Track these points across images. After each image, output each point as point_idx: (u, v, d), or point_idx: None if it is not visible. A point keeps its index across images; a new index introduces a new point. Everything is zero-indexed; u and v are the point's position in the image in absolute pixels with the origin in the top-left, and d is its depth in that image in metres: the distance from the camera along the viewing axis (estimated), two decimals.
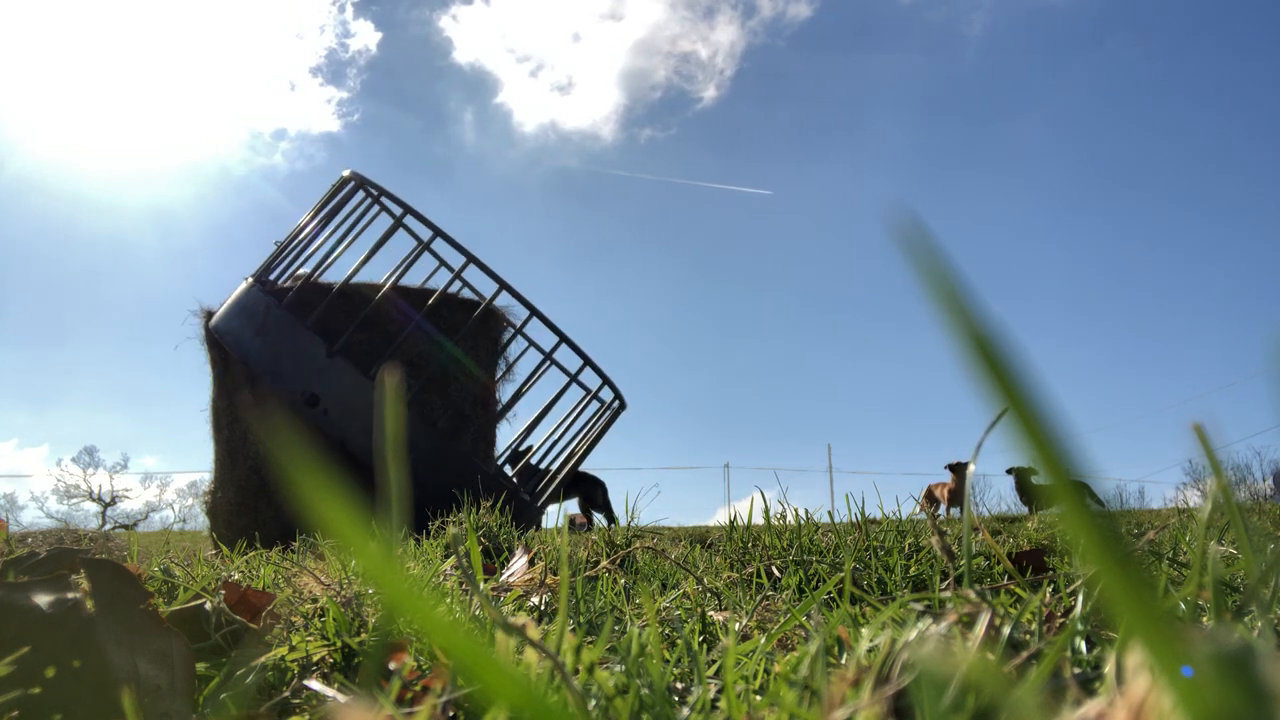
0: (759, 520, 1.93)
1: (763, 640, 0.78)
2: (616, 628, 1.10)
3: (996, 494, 19.77)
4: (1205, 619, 0.66)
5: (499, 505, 2.76)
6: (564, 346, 7.27)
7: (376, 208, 6.77)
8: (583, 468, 9.26)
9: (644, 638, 0.64)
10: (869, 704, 0.51)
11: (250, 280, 7.08)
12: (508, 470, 8.03)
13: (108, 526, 26.80)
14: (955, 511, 11.91)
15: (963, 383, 0.26)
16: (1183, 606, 0.67)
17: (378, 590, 1.06)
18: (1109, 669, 0.50)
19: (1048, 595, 0.88)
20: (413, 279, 7.58)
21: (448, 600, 1.15)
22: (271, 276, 7.15)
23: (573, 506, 11.72)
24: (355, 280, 6.86)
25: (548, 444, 7.83)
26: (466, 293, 7.75)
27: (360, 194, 6.85)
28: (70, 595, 0.73)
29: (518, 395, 7.56)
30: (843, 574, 0.93)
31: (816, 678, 0.57)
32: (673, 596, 1.29)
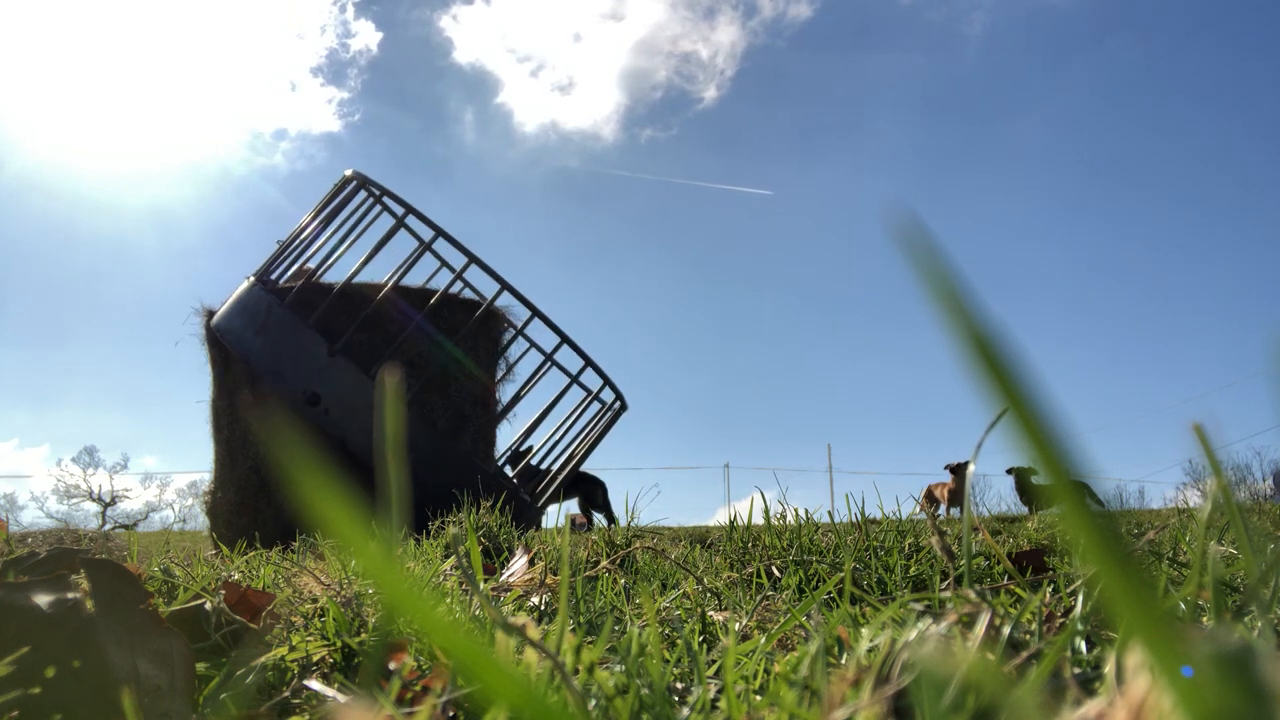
0: (759, 520, 1.93)
1: (763, 640, 0.78)
2: (616, 628, 1.10)
3: (996, 494, 19.78)
4: (1205, 619, 0.66)
5: (499, 505, 2.76)
6: (565, 347, 7.27)
7: (378, 208, 6.78)
8: (583, 468, 9.27)
9: (644, 638, 0.64)
10: (869, 704, 0.51)
11: (252, 279, 7.08)
12: (508, 470, 8.03)
13: (108, 526, 26.81)
14: (955, 511, 11.90)
15: (963, 383, 0.26)
16: (1183, 606, 0.67)
17: (378, 590, 1.06)
18: (1109, 669, 0.50)
19: (1048, 595, 0.88)
20: (414, 279, 7.58)
21: (448, 600, 1.15)
22: (273, 276, 7.15)
23: (573, 506, 11.72)
24: (356, 280, 6.86)
25: (548, 444, 7.83)
26: (467, 293, 7.75)
27: (362, 194, 6.85)
28: (70, 595, 0.73)
29: (518, 396, 7.56)
30: (843, 574, 0.93)
31: (816, 678, 0.57)
32: (673, 596, 1.29)
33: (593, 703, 0.58)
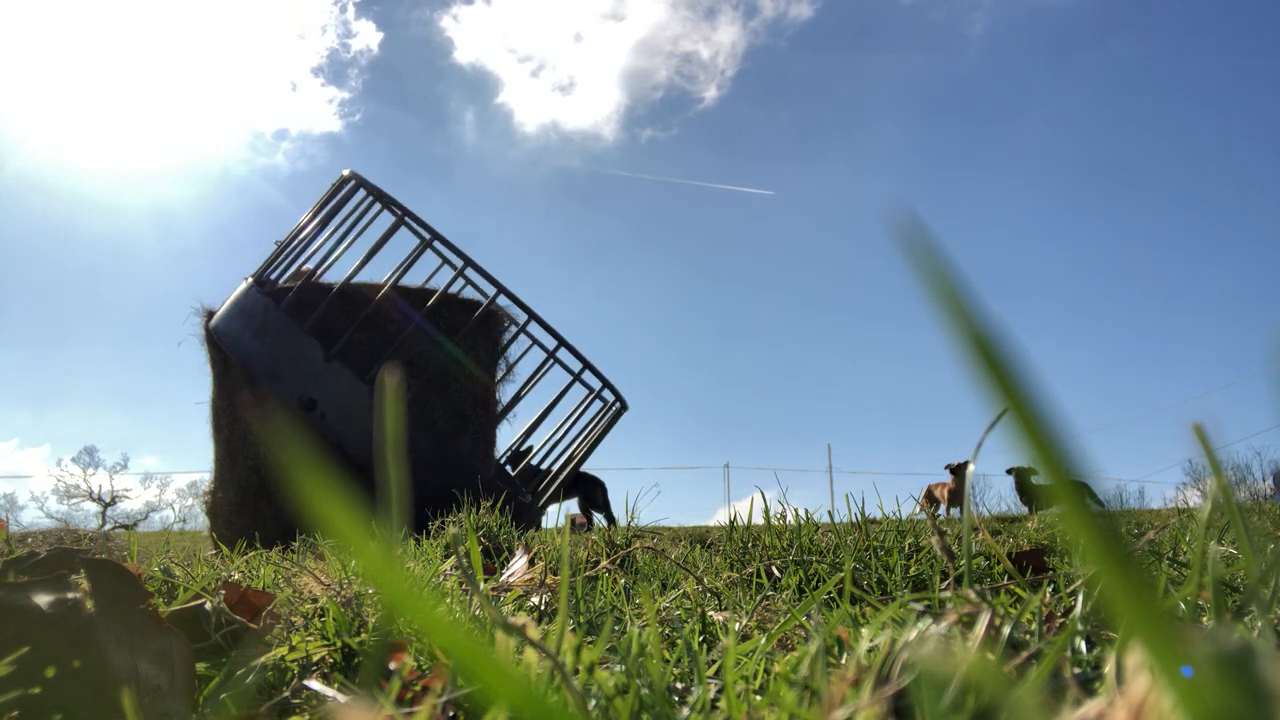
0: (759, 520, 1.93)
1: (763, 640, 0.78)
2: (616, 628, 1.10)
3: (996, 494, 19.77)
4: (1205, 619, 0.66)
5: (499, 505, 2.76)
6: (564, 346, 7.28)
7: (377, 207, 6.78)
8: (583, 468, 9.27)
9: (644, 638, 0.64)
10: (869, 704, 0.51)
11: (250, 280, 7.08)
12: (509, 471, 8.03)
13: (108, 526, 26.81)
14: (955, 511, 11.90)
15: (963, 383, 0.26)
16: (1183, 606, 0.67)
17: (378, 590, 1.06)
18: (1109, 669, 0.50)
19: (1048, 595, 0.88)
20: (413, 279, 7.58)
21: (448, 600, 1.15)
22: (271, 277, 7.15)
23: (573, 506, 11.71)
24: (354, 281, 6.86)
25: (548, 444, 7.83)
26: (467, 291, 7.75)
27: (359, 194, 6.85)
28: (70, 595, 0.73)
29: (518, 396, 7.56)
30: (843, 574, 0.93)
31: (816, 678, 0.57)
32: (673, 596, 1.29)
33: (593, 703, 0.58)
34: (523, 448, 8.14)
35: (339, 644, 0.95)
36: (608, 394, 7.58)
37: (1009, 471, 12.40)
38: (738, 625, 1.03)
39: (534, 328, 7.37)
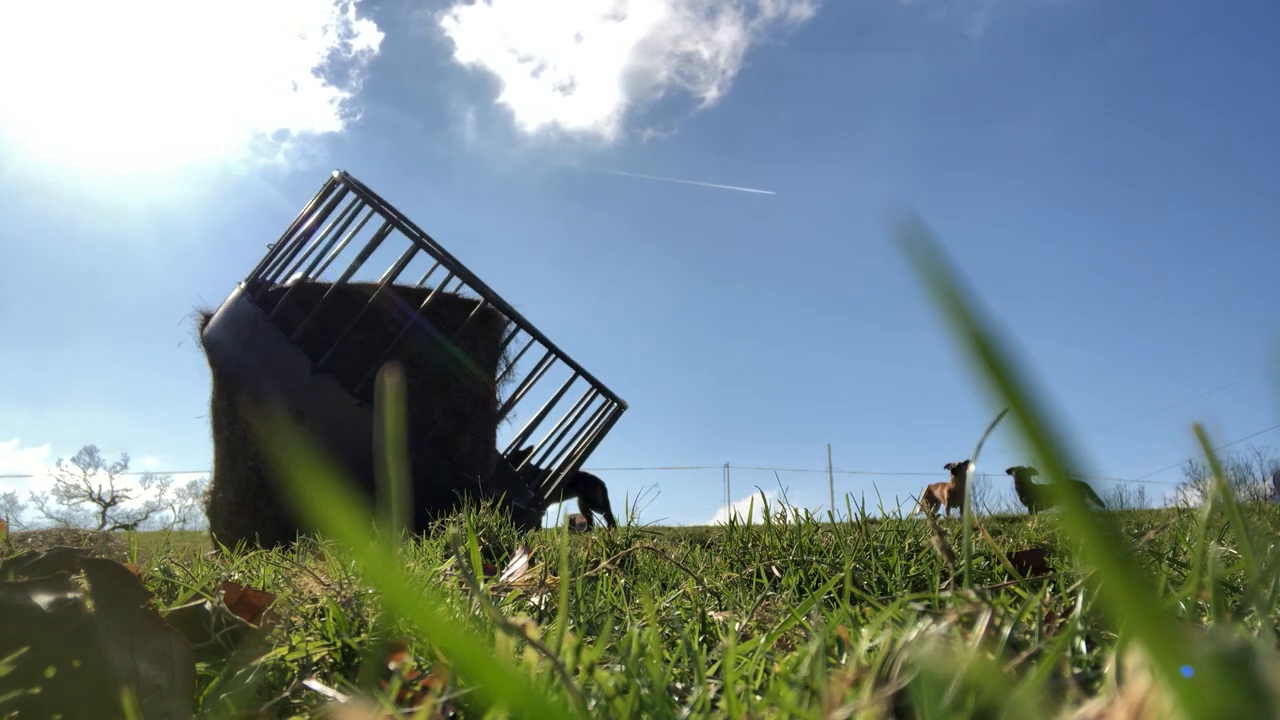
0: (759, 520, 1.93)
1: (763, 640, 0.78)
2: (616, 628, 1.10)
3: (996, 494, 19.77)
4: (1205, 619, 0.66)
5: (499, 505, 2.76)
6: (556, 354, 7.30)
7: (368, 209, 6.78)
8: (583, 468, 9.27)
9: (644, 638, 0.64)
10: (869, 704, 0.51)
11: (242, 286, 7.09)
12: (511, 468, 8.04)
13: (108, 526, 26.81)
14: (955, 511, 11.90)
15: (963, 383, 0.26)
16: (1183, 606, 0.67)
17: (378, 590, 1.06)
18: (1109, 669, 0.50)
19: (1048, 595, 0.88)
20: (409, 278, 7.58)
21: (448, 600, 1.15)
22: (263, 281, 7.16)
23: (573, 506, 11.71)
24: (347, 281, 6.87)
25: (548, 444, 7.83)
26: (465, 290, 7.76)
27: (350, 195, 6.85)
28: (70, 595, 0.73)
29: (513, 399, 7.57)
30: (843, 574, 0.93)
31: (816, 678, 0.57)
32: (673, 596, 1.29)
33: (593, 703, 0.58)
34: (522, 448, 8.15)
35: (339, 644, 0.95)
36: (606, 388, 7.61)
37: (1009, 471, 12.40)
38: (738, 625, 1.03)
39: (529, 342, 7.41)
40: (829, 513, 1.97)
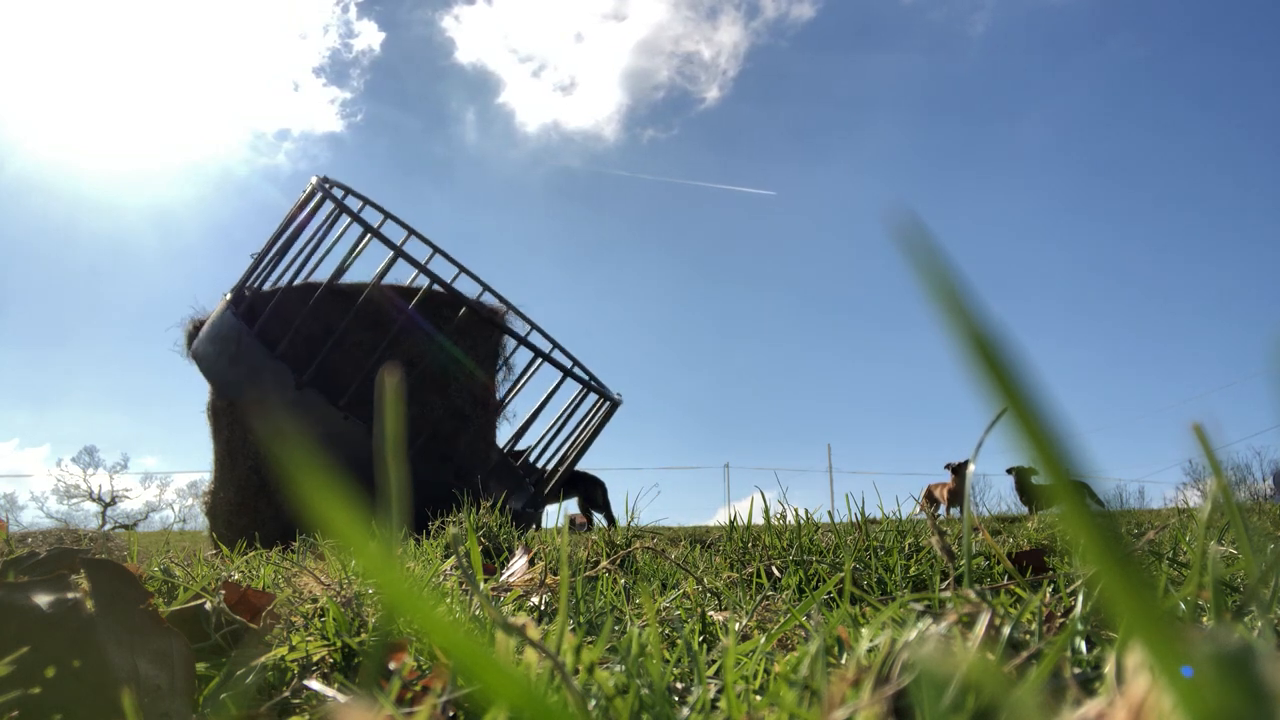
0: (759, 520, 1.93)
1: (763, 640, 0.78)
2: (616, 628, 1.10)
3: (996, 494, 19.77)
4: (1205, 619, 0.66)
5: (499, 505, 2.76)
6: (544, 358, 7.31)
7: (345, 218, 6.80)
8: (583, 468, 9.27)
9: (644, 638, 0.64)
10: (869, 704, 0.51)
11: (227, 298, 7.11)
12: (511, 463, 8.04)
13: (108, 526, 26.81)
14: (955, 511, 11.90)
15: (963, 383, 0.26)
16: (1183, 606, 0.67)
17: (378, 590, 1.06)
18: (1109, 669, 0.50)
19: (1048, 595, 0.88)
20: (400, 277, 7.58)
21: (448, 600, 1.15)
22: (250, 289, 7.18)
23: (573, 507, 11.71)
24: (339, 281, 6.87)
25: (543, 443, 7.84)
26: (463, 291, 7.77)
27: (330, 200, 6.84)
28: (70, 595, 0.73)
29: (505, 400, 7.58)
30: (843, 574, 0.93)
31: (816, 678, 0.57)
32: (673, 596, 1.29)
33: (593, 703, 0.58)
34: (515, 448, 8.15)
35: (339, 644, 0.95)
36: (597, 387, 7.61)
37: (1009, 471, 12.40)
38: (738, 625, 1.03)
39: (527, 327, 7.39)
40: (829, 513, 1.97)
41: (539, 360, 7.56)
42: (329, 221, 6.93)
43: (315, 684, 0.82)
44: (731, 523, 1.96)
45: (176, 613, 0.95)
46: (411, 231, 7.93)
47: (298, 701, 0.82)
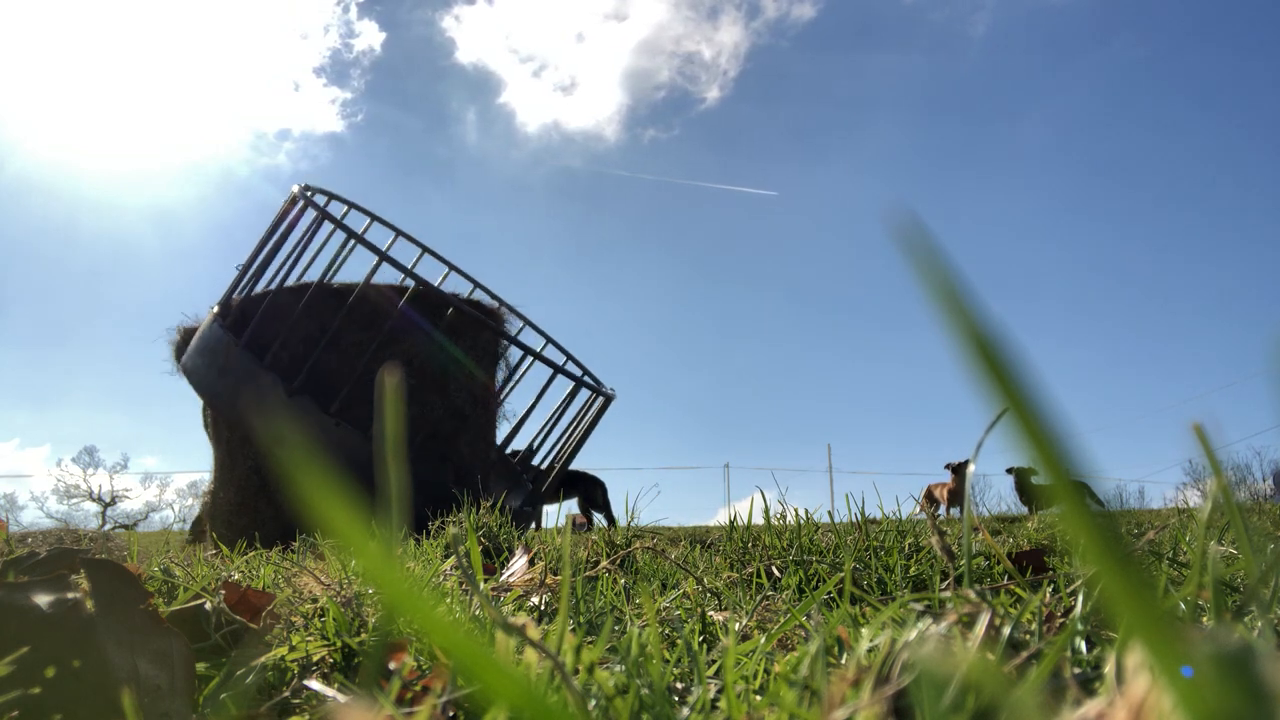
0: (759, 520, 1.93)
1: (763, 640, 0.78)
2: (616, 628, 1.10)
3: (996, 494, 19.77)
4: (1205, 619, 0.66)
5: (498, 505, 2.76)
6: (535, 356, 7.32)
7: (339, 216, 6.81)
8: (583, 468, 9.26)
9: (644, 638, 0.64)
10: (869, 704, 0.51)
11: (215, 310, 7.12)
12: (511, 461, 8.04)
13: (108, 526, 26.80)
14: (955, 511, 11.90)
15: (963, 383, 0.26)
16: (1183, 606, 0.67)
17: (378, 590, 1.06)
18: (1109, 669, 0.50)
19: (1048, 595, 0.88)
20: (392, 278, 7.59)
21: (448, 600, 1.15)
22: (237, 298, 7.19)
23: (573, 506, 11.71)
24: (331, 285, 6.88)
25: (538, 440, 7.84)
26: (458, 289, 7.80)
27: (312, 208, 6.85)
28: (70, 595, 0.73)
29: (499, 393, 7.58)
30: (843, 574, 0.93)
31: (816, 678, 0.57)
32: (673, 596, 1.29)
33: (593, 703, 0.58)
34: (510, 449, 8.16)
35: (339, 644, 0.95)
36: (589, 381, 7.63)
37: (1009, 471, 12.40)
38: (738, 625, 1.03)
39: (524, 331, 7.40)
40: (829, 513, 1.97)
41: (527, 362, 7.58)
42: (312, 230, 6.94)
43: (315, 684, 0.82)
44: (731, 523, 1.96)
45: (176, 613, 0.95)
46: (399, 233, 7.94)
47: (298, 701, 0.82)
